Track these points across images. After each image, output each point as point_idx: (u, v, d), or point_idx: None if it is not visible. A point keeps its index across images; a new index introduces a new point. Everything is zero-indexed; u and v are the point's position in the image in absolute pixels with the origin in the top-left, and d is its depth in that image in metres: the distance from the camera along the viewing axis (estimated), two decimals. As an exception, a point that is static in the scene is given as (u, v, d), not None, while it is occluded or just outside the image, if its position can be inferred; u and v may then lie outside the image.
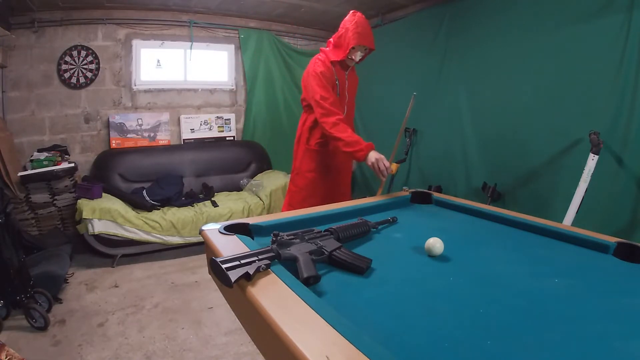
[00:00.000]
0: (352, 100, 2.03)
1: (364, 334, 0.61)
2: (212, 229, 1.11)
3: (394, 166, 3.55)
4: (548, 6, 2.39)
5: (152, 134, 3.75)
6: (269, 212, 3.35)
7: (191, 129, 3.97)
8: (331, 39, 1.93)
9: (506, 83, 2.71)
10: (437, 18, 3.20)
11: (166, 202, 3.23)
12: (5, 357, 1.49)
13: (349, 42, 1.78)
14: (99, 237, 2.80)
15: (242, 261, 0.82)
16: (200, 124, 4.01)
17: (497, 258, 1.04)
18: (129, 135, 3.64)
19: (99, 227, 2.77)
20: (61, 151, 3.27)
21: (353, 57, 1.83)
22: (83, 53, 3.41)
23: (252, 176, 3.91)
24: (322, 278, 0.88)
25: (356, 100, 2.11)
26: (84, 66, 3.44)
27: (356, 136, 1.76)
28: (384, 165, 1.67)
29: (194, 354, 1.86)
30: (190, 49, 3.87)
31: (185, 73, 3.95)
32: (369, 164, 1.69)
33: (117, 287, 2.57)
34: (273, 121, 4.34)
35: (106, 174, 3.35)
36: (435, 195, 1.63)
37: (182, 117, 3.91)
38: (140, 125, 3.70)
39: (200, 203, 3.34)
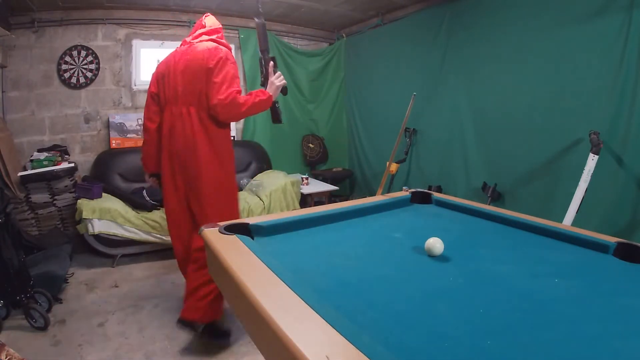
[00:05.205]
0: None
1: (364, 334, 0.61)
2: (212, 229, 1.11)
3: (394, 166, 3.55)
4: (548, 6, 2.39)
5: (152, 134, 3.75)
6: (268, 212, 3.34)
7: (191, 129, 3.96)
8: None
9: (506, 83, 2.71)
10: (437, 18, 3.20)
11: (166, 202, 3.22)
12: (5, 357, 1.49)
13: None
14: (99, 237, 2.80)
15: None
16: (201, 124, 4.01)
17: (497, 258, 1.04)
18: (129, 135, 3.64)
19: (99, 227, 2.77)
20: (61, 151, 3.27)
21: None
22: (83, 53, 3.41)
23: (252, 176, 3.91)
24: (320, 278, 0.88)
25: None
26: (84, 66, 3.44)
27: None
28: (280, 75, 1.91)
29: (194, 354, 1.86)
30: (191, 49, 3.88)
31: (185, 73, 3.95)
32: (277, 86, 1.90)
33: (117, 287, 2.57)
34: None
35: (106, 174, 3.35)
36: (435, 195, 1.63)
37: (182, 117, 3.91)
38: (140, 125, 3.69)
39: (200, 203, 3.33)
